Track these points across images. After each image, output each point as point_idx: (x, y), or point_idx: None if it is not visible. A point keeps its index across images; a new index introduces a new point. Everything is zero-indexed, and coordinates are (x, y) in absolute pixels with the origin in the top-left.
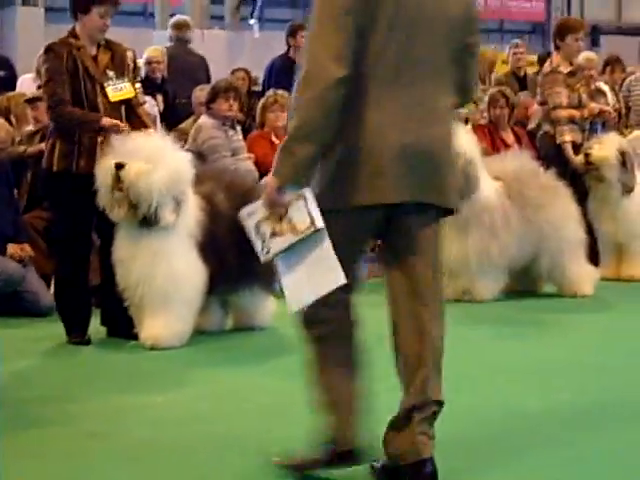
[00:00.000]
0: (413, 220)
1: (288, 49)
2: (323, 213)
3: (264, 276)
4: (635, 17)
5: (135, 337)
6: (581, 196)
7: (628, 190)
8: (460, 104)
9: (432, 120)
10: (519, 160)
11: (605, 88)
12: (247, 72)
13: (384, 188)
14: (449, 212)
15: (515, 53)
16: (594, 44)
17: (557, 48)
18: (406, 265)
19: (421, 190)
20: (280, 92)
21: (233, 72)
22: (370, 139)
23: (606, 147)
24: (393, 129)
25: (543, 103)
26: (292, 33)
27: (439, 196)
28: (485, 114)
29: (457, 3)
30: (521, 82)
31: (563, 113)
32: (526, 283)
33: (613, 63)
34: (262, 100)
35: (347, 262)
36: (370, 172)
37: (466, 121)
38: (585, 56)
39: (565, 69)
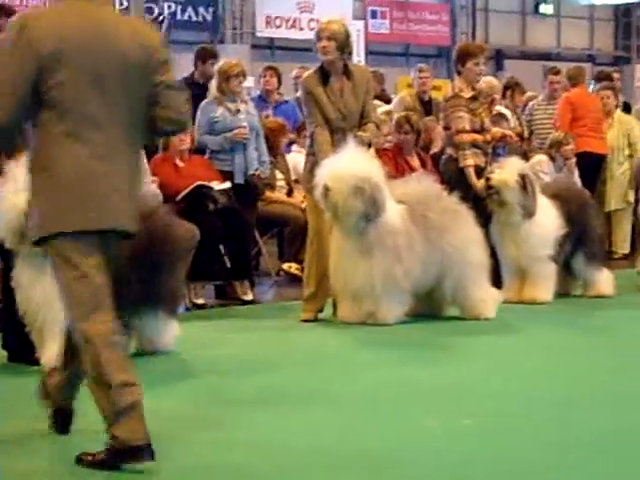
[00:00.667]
0: None
1: (193, 72)
2: None
3: (167, 300)
4: (539, 42)
5: (36, 362)
6: (484, 219)
7: (529, 214)
8: (172, 132)
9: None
10: (423, 184)
11: (507, 112)
12: None
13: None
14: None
15: (420, 77)
16: (498, 68)
17: (459, 73)
18: None
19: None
20: None
21: None
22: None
23: (507, 171)
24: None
25: (446, 128)
26: (201, 57)
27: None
28: (389, 137)
29: (134, 53)
30: (426, 106)
31: (466, 137)
32: (430, 306)
33: (513, 87)
34: None
35: None
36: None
37: (369, 145)
38: (486, 81)
39: (467, 94)
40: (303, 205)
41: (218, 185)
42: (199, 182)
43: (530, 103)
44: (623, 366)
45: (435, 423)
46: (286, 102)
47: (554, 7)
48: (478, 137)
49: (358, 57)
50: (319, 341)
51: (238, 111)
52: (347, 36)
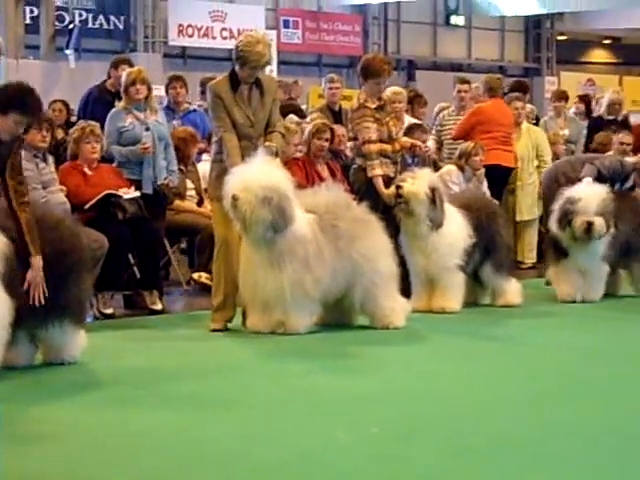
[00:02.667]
0: None
1: (105, 80)
2: None
3: (74, 310)
4: (450, 53)
5: None
6: (394, 229)
7: (437, 226)
8: None
9: None
10: (332, 193)
11: (421, 122)
12: (65, 103)
13: None
14: None
15: (330, 88)
16: (410, 79)
17: (363, 85)
18: None
19: None
20: (93, 123)
21: (51, 104)
22: None
23: (418, 183)
24: None
25: (354, 138)
26: (115, 65)
27: None
28: (300, 147)
29: None
30: (336, 116)
31: (373, 147)
32: (339, 315)
33: (414, 98)
34: (74, 131)
35: None
36: None
37: (277, 154)
38: (392, 90)
39: (373, 104)
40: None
41: (127, 194)
42: (108, 191)
43: (441, 114)
44: (528, 374)
45: (343, 432)
46: (194, 111)
47: (465, 19)
48: (386, 147)
49: (270, 67)
50: (228, 351)
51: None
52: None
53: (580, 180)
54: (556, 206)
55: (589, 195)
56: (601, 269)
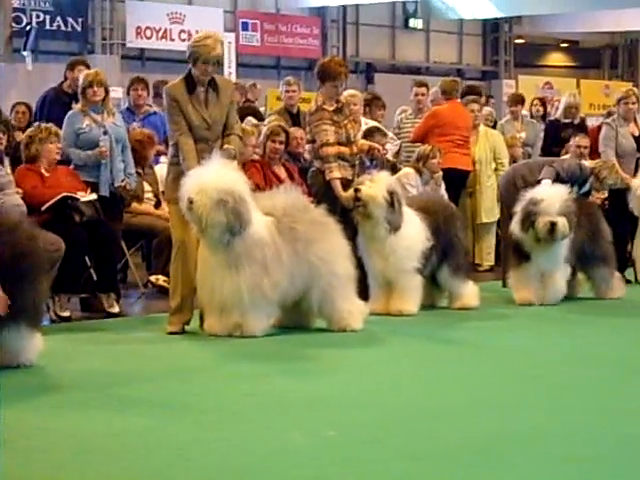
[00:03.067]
0: None
1: (63, 82)
2: None
3: (30, 313)
4: (408, 56)
5: None
6: (352, 232)
7: (395, 228)
8: None
9: None
10: (290, 196)
11: (379, 125)
12: (28, 106)
13: None
14: None
15: (287, 90)
16: (369, 81)
17: (321, 88)
18: None
19: None
20: (49, 125)
21: (14, 106)
22: None
23: (376, 186)
24: None
25: (312, 141)
26: (71, 67)
27: None
28: (257, 149)
29: None
30: (294, 118)
31: (331, 150)
32: (297, 318)
33: (372, 101)
34: (31, 132)
35: None
36: None
37: (234, 157)
38: (349, 93)
39: (331, 106)
40: None
41: (84, 196)
42: (65, 193)
43: (399, 116)
44: (484, 377)
45: (300, 435)
46: (155, 113)
47: (423, 22)
48: (344, 149)
49: (229, 69)
50: (185, 353)
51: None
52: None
53: (539, 182)
54: (518, 208)
55: (551, 196)
56: (563, 271)
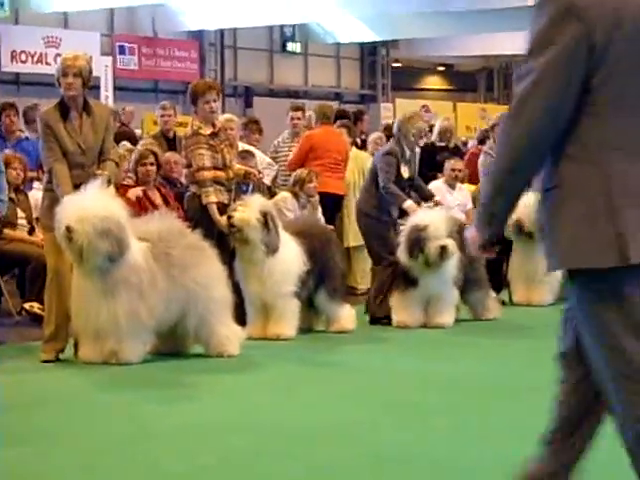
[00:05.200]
0: None
1: None
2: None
3: None
4: (287, 80)
5: None
6: (229, 256)
7: (272, 251)
8: None
9: None
10: (165, 221)
11: (253, 149)
12: None
13: None
14: None
15: (163, 115)
16: (247, 105)
17: (196, 112)
18: None
19: None
20: None
21: None
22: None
23: (248, 209)
24: None
25: (188, 165)
26: None
27: None
28: (130, 174)
29: None
30: (170, 143)
31: (207, 174)
32: (173, 343)
33: (249, 125)
34: None
35: None
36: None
37: (109, 183)
38: (225, 117)
39: (207, 130)
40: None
41: None
42: None
43: (276, 140)
44: (360, 399)
45: (176, 462)
46: (26, 139)
47: (301, 45)
48: (220, 174)
49: (106, 93)
50: (59, 382)
51: None
52: (91, 72)
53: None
54: (402, 237)
55: (435, 220)
56: (452, 294)
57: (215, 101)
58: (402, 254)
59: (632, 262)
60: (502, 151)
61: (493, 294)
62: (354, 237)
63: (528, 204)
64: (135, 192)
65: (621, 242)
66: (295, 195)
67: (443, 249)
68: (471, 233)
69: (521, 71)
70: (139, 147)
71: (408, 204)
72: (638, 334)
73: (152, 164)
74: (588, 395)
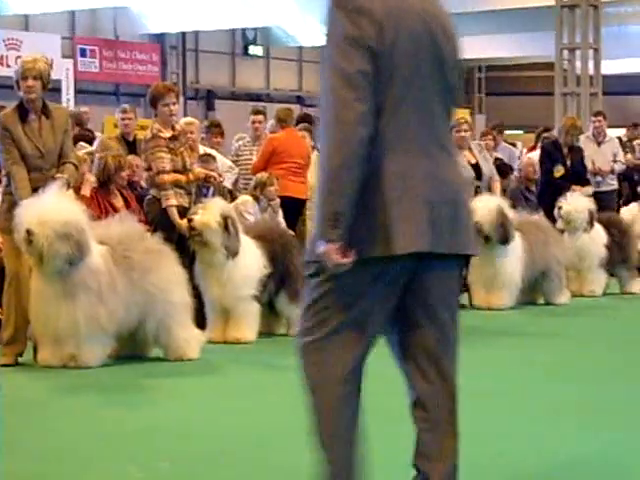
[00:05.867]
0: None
1: None
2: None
3: None
4: (248, 83)
5: None
6: (189, 259)
7: (232, 255)
8: None
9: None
10: (125, 224)
11: (214, 153)
12: None
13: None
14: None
15: (123, 118)
16: (209, 108)
17: (156, 115)
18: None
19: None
20: None
21: None
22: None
23: (209, 213)
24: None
25: (148, 169)
26: None
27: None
28: (93, 179)
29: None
30: (131, 146)
31: (167, 178)
32: (133, 347)
33: (210, 128)
34: None
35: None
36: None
37: (69, 186)
38: (185, 120)
39: (167, 134)
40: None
41: None
42: None
43: (237, 144)
44: None
45: (134, 467)
46: None
47: (263, 49)
48: (180, 177)
49: (67, 95)
50: (18, 386)
51: None
52: (49, 74)
53: None
54: None
55: None
56: None
57: (174, 104)
58: None
59: (396, 253)
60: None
61: None
62: None
63: (488, 208)
64: (89, 185)
65: (387, 234)
66: (256, 198)
67: None
68: (323, 247)
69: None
70: (99, 145)
71: None
72: None
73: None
74: None
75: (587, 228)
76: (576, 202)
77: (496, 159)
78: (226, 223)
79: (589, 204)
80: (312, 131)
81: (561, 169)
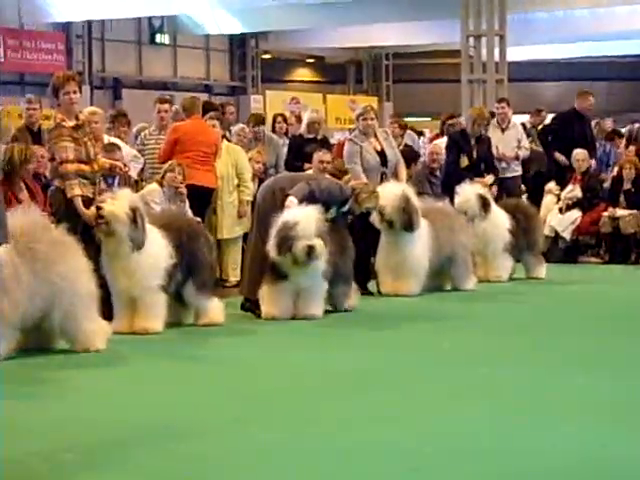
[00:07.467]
0: None
1: None
2: None
3: None
4: (155, 72)
5: None
6: (94, 250)
7: (138, 246)
8: None
9: None
10: (29, 216)
11: (119, 142)
12: None
13: None
14: None
15: (28, 109)
16: (116, 97)
17: (59, 105)
18: None
19: None
20: None
21: None
22: None
23: (118, 203)
24: None
25: (52, 158)
26: None
27: None
28: None
29: None
30: (35, 136)
31: (70, 167)
32: (39, 339)
33: (116, 117)
34: None
35: None
36: None
37: None
38: (89, 110)
39: (70, 123)
40: None
41: None
42: None
43: (142, 133)
44: (229, 393)
45: (37, 460)
46: None
47: (170, 37)
48: (84, 167)
49: None
50: None
51: None
52: None
53: (287, 196)
54: (273, 232)
55: (305, 218)
56: (321, 287)
57: (75, 92)
58: (272, 250)
59: None
60: None
61: (355, 286)
62: (228, 229)
63: (391, 192)
64: None
65: None
66: (162, 187)
67: (310, 249)
68: None
69: None
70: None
71: (289, 199)
72: None
73: (28, 162)
74: None
75: (482, 214)
76: (465, 191)
77: (406, 145)
78: (134, 215)
79: (480, 190)
80: (221, 119)
81: (466, 160)
